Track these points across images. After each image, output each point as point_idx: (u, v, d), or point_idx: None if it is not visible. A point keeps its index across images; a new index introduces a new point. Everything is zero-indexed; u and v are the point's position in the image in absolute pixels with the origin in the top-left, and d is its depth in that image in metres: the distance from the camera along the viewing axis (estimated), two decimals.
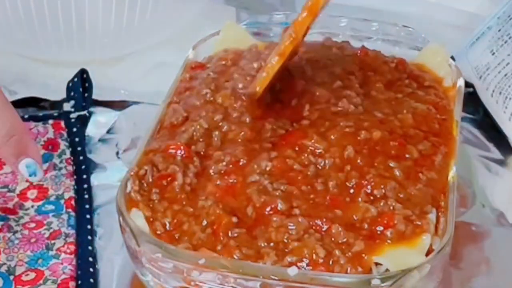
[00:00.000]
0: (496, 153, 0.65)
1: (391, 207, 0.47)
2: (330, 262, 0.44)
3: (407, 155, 0.51)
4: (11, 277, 0.52)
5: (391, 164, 0.50)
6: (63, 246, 0.54)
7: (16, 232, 0.55)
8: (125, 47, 0.73)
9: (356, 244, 0.45)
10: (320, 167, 0.50)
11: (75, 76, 0.69)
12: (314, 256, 0.44)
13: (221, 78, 0.58)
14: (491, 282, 0.54)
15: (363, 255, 0.45)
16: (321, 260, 0.44)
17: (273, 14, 0.68)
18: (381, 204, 0.47)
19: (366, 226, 0.46)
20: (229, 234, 0.46)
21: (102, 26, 0.71)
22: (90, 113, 0.68)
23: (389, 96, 0.57)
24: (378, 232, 0.46)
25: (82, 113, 0.67)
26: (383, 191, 0.48)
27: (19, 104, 0.69)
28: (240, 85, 0.57)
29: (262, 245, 0.45)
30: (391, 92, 0.57)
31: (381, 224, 0.46)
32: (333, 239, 0.46)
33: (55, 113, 0.67)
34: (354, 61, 0.60)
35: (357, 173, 0.49)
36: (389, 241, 0.46)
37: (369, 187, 0.48)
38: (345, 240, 0.45)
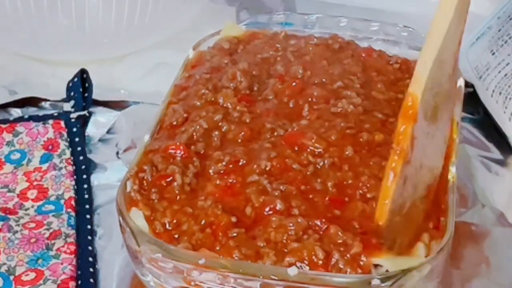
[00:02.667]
0: (496, 153, 0.65)
1: None
2: (330, 264, 0.44)
3: None
4: (11, 277, 0.52)
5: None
6: (63, 246, 0.54)
7: (16, 232, 0.55)
8: (125, 47, 0.73)
9: (354, 246, 0.45)
10: (319, 167, 0.51)
11: (75, 76, 0.69)
12: (313, 258, 0.44)
13: (217, 76, 0.58)
14: (491, 282, 0.54)
15: (362, 257, 0.44)
16: (320, 262, 0.44)
17: (273, 14, 0.68)
18: (374, 205, 0.47)
19: (363, 226, 0.46)
20: (228, 234, 0.46)
21: (102, 26, 0.71)
22: (90, 113, 0.68)
23: (389, 96, 0.57)
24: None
25: (82, 113, 0.67)
26: (374, 193, 0.48)
27: (19, 104, 0.69)
28: (242, 85, 0.57)
29: (261, 245, 0.45)
30: (391, 92, 0.57)
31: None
32: (331, 239, 0.45)
33: (55, 113, 0.67)
34: (357, 61, 0.60)
35: (353, 174, 0.49)
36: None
37: (364, 188, 0.48)
38: (343, 241, 0.45)
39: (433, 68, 0.46)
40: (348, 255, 0.44)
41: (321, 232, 0.46)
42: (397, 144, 0.44)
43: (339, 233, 0.45)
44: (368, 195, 0.48)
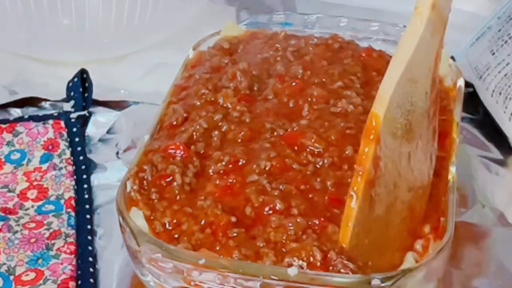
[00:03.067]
0: (496, 153, 0.65)
1: None
2: (329, 264, 0.44)
3: None
4: (11, 277, 0.52)
5: None
6: (63, 246, 0.54)
7: (16, 232, 0.55)
8: (125, 47, 0.73)
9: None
10: (319, 167, 0.51)
11: (75, 76, 0.69)
12: (311, 259, 0.44)
13: (217, 76, 0.58)
14: (491, 282, 0.54)
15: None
16: (318, 263, 0.44)
17: (273, 14, 0.68)
18: None
19: None
20: (228, 234, 0.46)
21: (102, 26, 0.71)
22: (90, 113, 0.68)
23: None
24: None
25: (82, 113, 0.67)
26: None
27: (19, 104, 0.69)
28: (242, 84, 0.57)
29: (261, 245, 0.45)
30: None
31: None
32: (329, 238, 0.45)
33: (55, 113, 0.67)
34: (357, 61, 0.60)
35: (353, 173, 0.49)
36: None
37: None
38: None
39: (399, 86, 0.44)
40: (343, 256, 0.44)
41: (319, 231, 0.46)
42: (359, 165, 0.44)
43: (336, 231, 0.45)
44: None
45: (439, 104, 0.52)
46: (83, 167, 0.62)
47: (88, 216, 0.57)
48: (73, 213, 0.57)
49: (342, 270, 0.43)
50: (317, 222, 0.46)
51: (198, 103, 0.56)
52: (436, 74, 0.50)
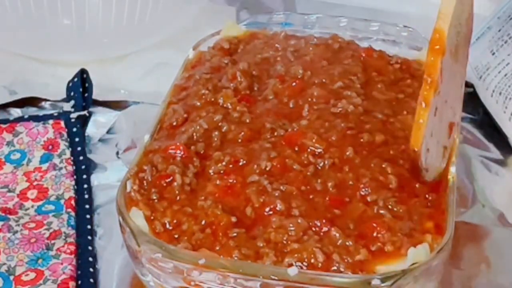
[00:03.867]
0: (496, 153, 0.66)
1: (383, 221, 0.47)
2: (330, 267, 0.44)
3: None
4: (11, 277, 0.52)
5: (388, 170, 0.50)
6: (63, 246, 0.54)
7: (16, 232, 0.55)
8: (125, 47, 0.73)
9: (360, 253, 0.45)
10: (319, 167, 0.51)
11: (75, 76, 0.69)
12: (312, 260, 0.44)
13: (217, 76, 0.58)
14: (491, 282, 0.54)
15: (365, 262, 0.45)
16: (319, 265, 0.44)
17: (273, 14, 0.68)
18: (375, 210, 0.47)
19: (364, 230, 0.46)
20: (228, 234, 0.46)
21: (102, 26, 0.71)
22: (90, 113, 0.68)
23: (390, 96, 0.57)
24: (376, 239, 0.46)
25: (82, 113, 0.67)
26: (375, 197, 0.48)
27: (19, 104, 0.69)
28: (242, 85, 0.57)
29: (261, 245, 0.45)
30: (392, 92, 0.57)
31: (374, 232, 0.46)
32: (332, 241, 0.45)
33: (55, 113, 0.67)
34: (358, 61, 0.60)
35: (354, 175, 0.49)
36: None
37: (364, 190, 0.48)
38: (343, 244, 0.45)
39: (457, 4, 0.47)
40: (348, 258, 0.44)
41: (321, 233, 0.46)
42: (428, 75, 0.46)
43: (339, 235, 0.45)
44: (369, 198, 0.48)
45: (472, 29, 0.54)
46: (83, 167, 0.62)
47: (88, 216, 0.57)
48: (73, 213, 0.57)
49: (336, 257, 0.44)
50: (318, 223, 0.46)
51: (198, 103, 0.56)
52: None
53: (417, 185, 0.49)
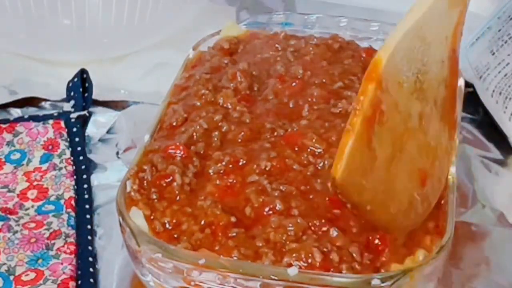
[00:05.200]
0: (496, 153, 0.65)
1: None
2: (329, 265, 0.44)
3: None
4: (11, 277, 0.52)
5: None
6: (63, 246, 0.54)
7: (16, 232, 0.55)
8: (125, 47, 0.73)
9: (364, 257, 0.45)
10: (319, 167, 0.51)
11: (75, 76, 0.69)
12: (310, 260, 0.44)
13: (217, 76, 0.58)
14: (491, 282, 0.54)
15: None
16: (317, 264, 0.44)
17: (273, 14, 0.68)
18: None
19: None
20: (228, 234, 0.46)
21: (102, 26, 0.71)
22: (90, 113, 0.68)
23: None
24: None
25: (82, 113, 0.67)
26: None
27: (19, 104, 0.69)
28: (242, 85, 0.57)
29: (260, 245, 0.45)
30: None
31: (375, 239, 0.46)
32: (331, 241, 0.45)
33: (55, 113, 0.67)
34: (358, 61, 0.60)
35: None
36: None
37: None
38: (342, 245, 0.45)
39: (406, 38, 0.46)
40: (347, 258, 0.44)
41: (320, 233, 0.46)
42: (357, 103, 0.44)
43: (338, 237, 0.45)
44: None
45: (457, 86, 0.52)
46: (83, 167, 0.62)
47: (88, 216, 0.57)
48: (73, 213, 0.57)
49: (334, 257, 0.44)
50: (317, 223, 0.46)
51: (198, 104, 0.56)
52: (456, 48, 0.51)
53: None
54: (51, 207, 0.58)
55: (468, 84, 0.67)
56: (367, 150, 0.44)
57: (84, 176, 0.61)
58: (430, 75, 0.49)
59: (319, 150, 0.51)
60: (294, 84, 0.58)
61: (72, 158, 0.62)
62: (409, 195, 0.47)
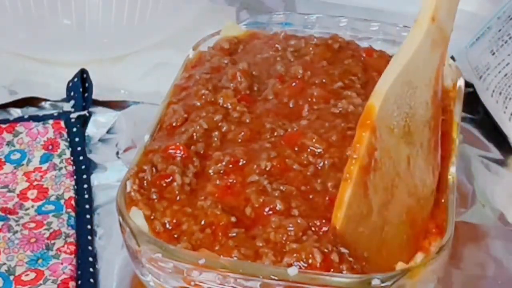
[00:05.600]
0: (496, 153, 0.65)
1: None
2: (329, 266, 0.44)
3: None
4: (11, 277, 0.52)
5: None
6: (63, 246, 0.54)
7: (16, 232, 0.55)
8: (125, 47, 0.73)
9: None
10: (319, 167, 0.51)
11: (75, 76, 0.69)
12: (310, 260, 0.44)
13: (217, 76, 0.58)
14: (491, 282, 0.54)
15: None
16: (318, 265, 0.44)
17: (273, 14, 0.68)
18: None
19: None
20: (228, 234, 0.46)
21: (102, 26, 0.71)
22: (90, 113, 0.68)
23: None
24: None
25: (82, 113, 0.67)
26: None
27: (19, 104, 0.69)
28: (242, 85, 0.57)
29: (260, 245, 0.45)
30: None
31: None
32: (330, 241, 0.45)
33: (55, 113, 0.67)
34: (358, 61, 0.60)
35: None
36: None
37: None
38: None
39: (395, 84, 0.47)
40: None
41: (320, 233, 0.46)
42: (354, 151, 0.45)
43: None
44: None
45: (440, 121, 0.53)
46: (83, 167, 0.62)
47: (88, 216, 0.57)
48: (73, 213, 0.57)
49: (335, 258, 0.44)
50: (317, 224, 0.46)
51: (198, 104, 0.56)
52: (439, 89, 0.52)
53: None
54: (51, 207, 0.58)
55: (468, 84, 0.67)
56: (363, 198, 0.45)
57: (84, 176, 0.61)
58: (416, 118, 0.49)
59: (319, 150, 0.51)
60: (294, 84, 0.58)
61: (72, 158, 0.62)
62: (400, 238, 0.47)
